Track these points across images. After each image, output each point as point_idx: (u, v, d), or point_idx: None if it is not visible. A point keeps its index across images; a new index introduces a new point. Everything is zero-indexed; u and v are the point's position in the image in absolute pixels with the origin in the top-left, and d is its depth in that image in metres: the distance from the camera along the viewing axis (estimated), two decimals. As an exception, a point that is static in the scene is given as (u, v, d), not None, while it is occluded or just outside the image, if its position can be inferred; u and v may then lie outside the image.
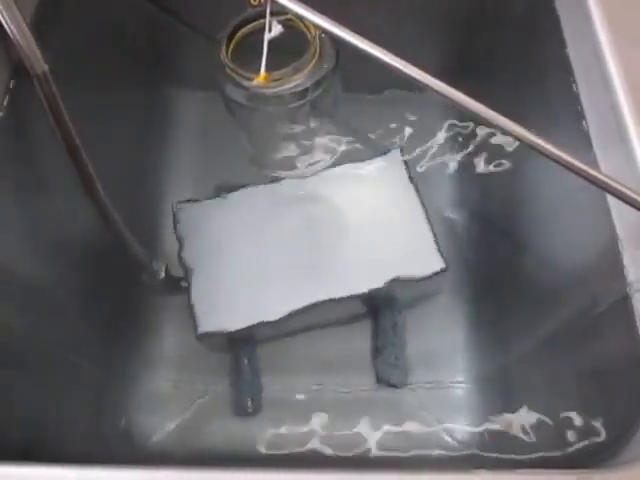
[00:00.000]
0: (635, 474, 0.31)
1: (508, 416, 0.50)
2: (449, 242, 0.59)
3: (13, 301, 0.40)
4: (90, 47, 0.51)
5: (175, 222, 0.57)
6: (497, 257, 0.58)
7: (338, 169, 0.59)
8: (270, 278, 0.54)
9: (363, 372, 0.57)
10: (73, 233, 0.48)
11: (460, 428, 0.54)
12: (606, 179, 0.32)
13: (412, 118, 0.67)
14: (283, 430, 0.54)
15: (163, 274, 0.52)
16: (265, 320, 0.52)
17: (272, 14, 0.42)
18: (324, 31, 0.37)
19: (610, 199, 0.37)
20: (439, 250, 0.54)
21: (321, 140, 0.60)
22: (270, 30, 0.43)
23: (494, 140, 0.57)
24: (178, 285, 0.54)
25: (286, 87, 0.49)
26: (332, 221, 0.56)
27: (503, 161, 0.57)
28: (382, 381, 0.56)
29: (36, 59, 0.36)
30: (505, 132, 0.32)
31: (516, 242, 0.54)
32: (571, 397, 0.43)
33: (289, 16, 0.46)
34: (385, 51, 0.34)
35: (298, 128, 0.56)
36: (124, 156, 0.58)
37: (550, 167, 0.32)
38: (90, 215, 0.42)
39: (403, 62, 0.34)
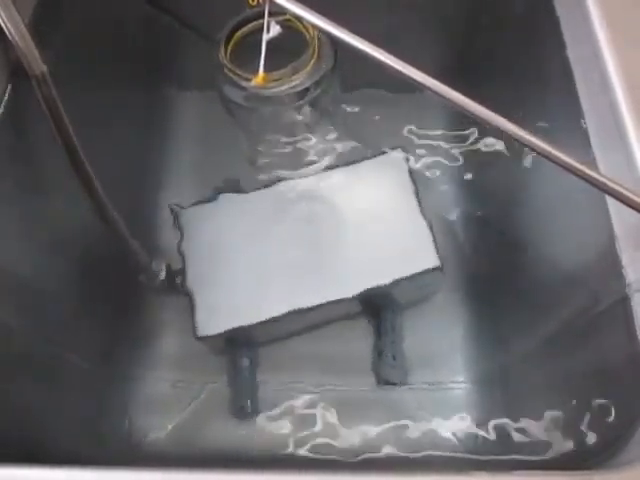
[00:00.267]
0: (635, 475, 0.31)
1: (506, 416, 0.50)
2: (448, 242, 0.60)
3: (13, 301, 0.41)
4: (89, 47, 0.51)
5: (174, 222, 0.57)
6: (496, 257, 0.58)
7: (337, 169, 0.59)
8: (270, 278, 0.54)
9: (362, 372, 0.57)
10: (72, 233, 0.48)
11: (459, 428, 0.54)
12: (605, 180, 0.32)
13: (411, 118, 0.67)
14: (282, 431, 0.54)
15: (164, 274, 0.52)
16: (264, 320, 0.52)
17: (270, 14, 0.42)
18: (322, 31, 0.37)
19: (609, 200, 0.37)
20: (436, 249, 0.54)
21: (320, 140, 0.60)
22: (268, 31, 0.43)
23: (494, 140, 0.57)
24: (178, 286, 0.54)
25: (285, 87, 0.49)
26: (331, 221, 0.56)
27: (502, 161, 0.57)
28: (382, 381, 0.56)
29: (34, 60, 0.36)
30: (504, 133, 0.32)
31: (515, 242, 0.54)
32: (570, 397, 0.43)
33: (288, 16, 0.46)
34: (383, 51, 0.34)
35: (297, 128, 0.56)
36: (123, 156, 0.58)
37: (549, 167, 0.32)
38: (89, 216, 0.42)
39: (402, 63, 0.34)
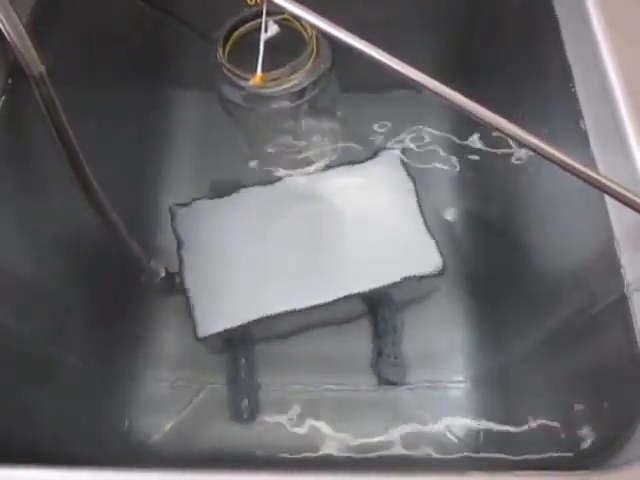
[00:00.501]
0: (633, 475, 0.31)
1: (505, 416, 0.50)
2: (448, 242, 0.59)
3: (11, 302, 0.40)
4: (87, 48, 0.51)
5: (173, 222, 0.57)
6: (496, 257, 0.58)
7: (336, 169, 0.59)
8: (269, 278, 0.54)
9: (362, 371, 0.57)
10: (71, 234, 0.48)
11: (458, 428, 0.54)
12: (604, 180, 0.32)
13: (411, 117, 0.67)
14: (281, 431, 0.54)
15: (163, 274, 0.52)
16: (264, 319, 0.52)
17: (268, 14, 0.42)
18: (320, 31, 0.37)
19: (608, 200, 0.37)
20: (438, 249, 0.54)
21: (319, 140, 0.60)
22: (266, 30, 0.43)
23: (494, 140, 0.57)
24: (177, 286, 0.54)
25: (283, 87, 0.49)
26: (330, 220, 0.56)
27: (502, 160, 0.57)
28: (383, 380, 0.56)
29: (33, 60, 0.36)
30: (502, 133, 0.32)
31: (515, 242, 0.54)
32: (569, 397, 0.43)
33: (286, 16, 0.45)
34: (381, 51, 0.34)
35: (296, 128, 0.56)
36: (122, 156, 0.58)
37: (548, 167, 0.32)
38: (88, 216, 0.42)
39: (400, 62, 0.33)
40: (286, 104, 0.50)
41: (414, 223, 0.56)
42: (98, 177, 0.40)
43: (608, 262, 0.37)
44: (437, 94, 0.33)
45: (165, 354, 0.58)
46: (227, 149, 0.63)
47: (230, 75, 0.49)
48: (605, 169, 0.38)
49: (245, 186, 0.59)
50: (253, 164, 0.63)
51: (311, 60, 0.49)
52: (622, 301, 0.36)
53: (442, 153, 0.66)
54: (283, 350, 0.58)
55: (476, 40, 0.63)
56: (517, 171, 0.53)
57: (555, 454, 0.42)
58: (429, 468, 0.51)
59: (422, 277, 0.53)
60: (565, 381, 0.44)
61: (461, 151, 0.65)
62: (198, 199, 0.58)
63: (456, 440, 0.54)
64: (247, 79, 0.47)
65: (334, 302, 0.52)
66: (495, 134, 0.33)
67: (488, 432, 0.53)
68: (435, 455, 0.53)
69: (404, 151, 0.61)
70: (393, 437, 0.54)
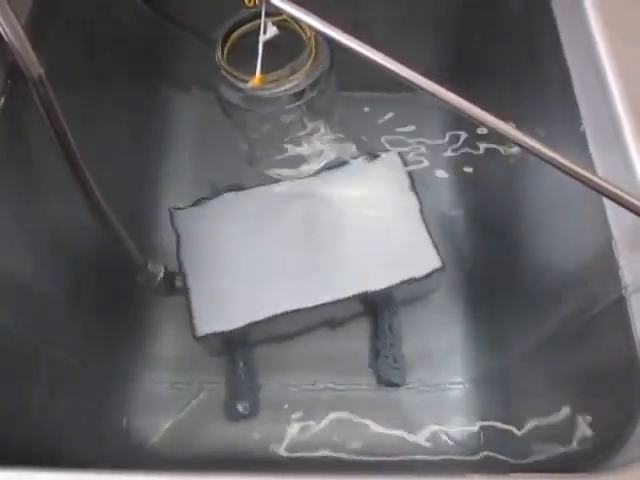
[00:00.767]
0: (631, 476, 0.31)
1: (504, 417, 0.50)
2: (447, 242, 0.59)
3: (10, 303, 0.41)
4: (85, 49, 0.51)
5: (173, 223, 0.57)
6: (494, 258, 0.58)
7: (336, 169, 0.59)
8: (268, 278, 0.54)
9: (361, 372, 0.57)
10: (71, 235, 0.48)
11: (457, 429, 0.54)
12: (602, 182, 0.32)
13: (410, 118, 0.67)
14: (279, 432, 0.54)
15: (162, 276, 0.52)
16: (263, 319, 0.52)
17: (267, 15, 0.42)
18: (318, 33, 0.37)
19: (606, 202, 0.37)
20: (436, 249, 0.54)
21: (317, 140, 0.60)
22: (265, 32, 0.43)
23: (493, 141, 0.57)
24: (176, 287, 0.54)
25: (282, 89, 0.49)
26: (330, 221, 0.57)
27: (501, 161, 0.57)
28: (384, 382, 0.56)
29: (31, 62, 0.36)
30: (500, 135, 0.32)
31: (513, 243, 0.54)
32: (567, 398, 0.43)
33: (284, 17, 0.45)
34: (379, 53, 0.34)
35: (294, 129, 0.56)
36: (121, 158, 0.58)
37: (548, 168, 0.32)
38: (87, 217, 0.42)
39: (397, 64, 0.34)
40: (285, 105, 0.50)
41: (413, 224, 0.56)
42: (97, 178, 0.40)
43: (606, 263, 0.37)
44: (435, 96, 0.33)
45: (164, 355, 0.58)
46: (226, 150, 0.63)
47: (229, 77, 0.49)
48: (603, 171, 0.39)
49: (244, 187, 0.59)
50: (252, 165, 0.62)
51: (310, 61, 0.49)
52: (620, 302, 0.36)
53: (441, 154, 0.66)
54: (282, 351, 0.58)
55: (475, 41, 0.63)
56: (516, 172, 0.53)
57: (553, 456, 0.42)
58: (428, 470, 0.51)
59: (421, 278, 0.53)
60: (563, 382, 0.44)
61: (460, 152, 0.65)
62: (197, 200, 0.58)
63: (454, 442, 0.54)
64: (246, 81, 0.47)
65: (333, 303, 0.52)
66: (494, 135, 0.33)
67: (487, 433, 0.53)
68: (434, 457, 0.53)
69: (403, 152, 0.60)
70: (392, 438, 0.54)
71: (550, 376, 0.47)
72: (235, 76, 0.48)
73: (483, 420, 0.54)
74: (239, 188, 0.59)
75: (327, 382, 0.56)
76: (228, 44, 0.50)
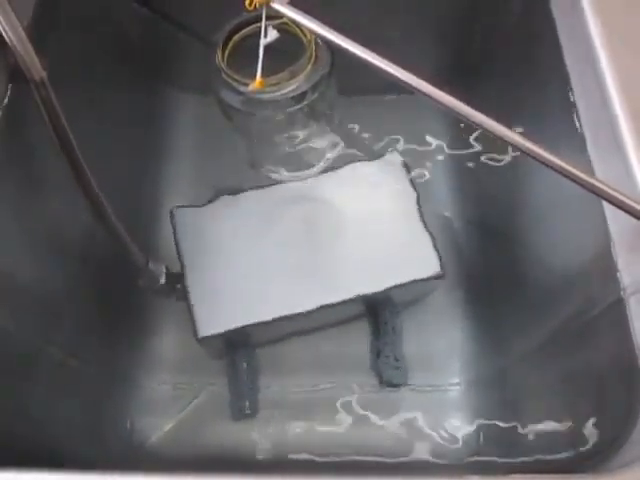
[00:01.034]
0: (630, 477, 0.31)
1: (504, 418, 0.51)
2: (447, 244, 0.59)
3: (11, 305, 0.41)
4: (87, 51, 0.52)
5: (174, 225, 0.57)
6: (494, 260, 0.58)
7: (336, 172, 0.59)
8: (269, 280, 0.54)
9: (362, 373, 0.57)
10: (72, 236, 0.49)
11: (457, 429, 0.54)
12: (600, 185, 0.32)
13: (410, 121, 0.67)
14: (281, 432, 0.54)
15: (163, 277, 0.52)
16: (264, 321, 0.52)
17: (267, 18, 0.42)
18: (318, 36, 0.37)
19: (605, 204, 0.38)
20: (437, 252, 0.54)
21: (318, 143, 0.60)
22: (266, 35, 0.43)
23: (492, 143, 0.57)
24: (176, 287, 0.54)
25: (283, 92, 0.49)
26: (330, 223, 0.57)
27: (501, 164, 0.57)
28: (385, 383, 0.56)
29: (33, 65, 0.36)
30: (499, 138, 0.32)
31: (513, 245, 0.54)
32: (566, 400, 0.43)
33: (285, 20, 0.46)
34: (380, 57, 0.34)
35: (295, 132, 0.56)
36: (122, 159, 0.58)
37: (547, 172, 0.32)
38: (88, 219, 0.42)
39: (398, 68, 0.34)
40: (285, 108, 0.50)
41: (413, 226, 0.56)
42: (98, 180, 0.40)
43: (605, 265, 0.37)
44: (434, 100, 0.33)
45: (165, 356, 0.59)
46: (227, 152, 0.63)
47: (229, 80, 0.49)
48: (602, 173, 0.39)
49: (245, 189, 0.59)
50: (253, 167, 0.63)
51: (310, 65, 0.49)
52: (619, 304, 0.36)
53: (441, 156, 0.66)
54: (283, 352, 0.58)
55: (475, 43, 0.63)
56: (516, 174, 0.53)
57: (552, 457, 0.42)
58: (427, 471, 0.51)
59: (422, 280, 0.53)
60: (563, 384, 0.44)
61: (460, 154, 0.65)
62: (198, 202, 0.58)
63: (454, 442, 0.54)
64: (246, 84, 0.47)
65: (334, 305, 0.52)
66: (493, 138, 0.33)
67: (486, 435, 0.53)
68: (433, 458, 0.53)
69: (403, 154, 0.60)
70: (392, 439, 0.54)
71: (549, 377, 0.47)
72: (235, 79, 0.48)
73: (482, 421, 0.54)
74: (239, 190, 0.59)
75: (328, 383, 0.56)
76: (229, 47, 0.50)
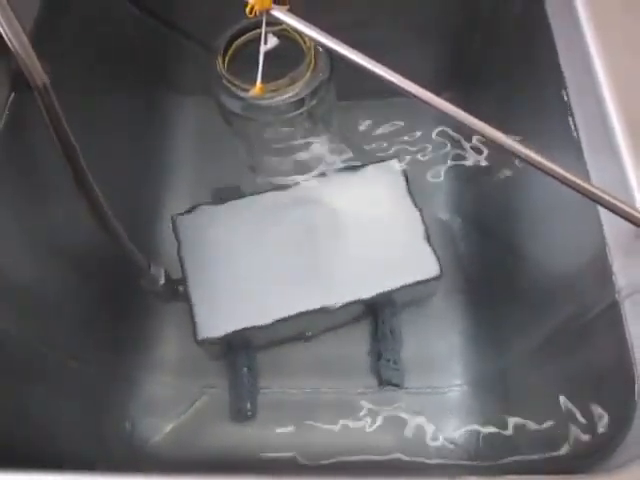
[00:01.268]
0: (625, 477, 0.32)
1: (502, 419, 0.51)
2: (446, 247, 0.60)
3: (14, 306, 0.41)
4: (89, 57, 0.52)
5: (174, 228, 0.58)
6: (492, 263, 0.58)
7: (335, 176, 0.60)
8: (268, 283, 0.55)
9: (361, 375, 0.57)
10: (73, 239, 0.49)
11: (456, 431, 0.54)
12: (596, 190, 0.32)
13: (409, 126, 0.67)
14: (281, 434, 0.55)
15: (163, 280, 0.52)
16: (263, 324, 0.53)
17: (268, 24, 0.42)
18: (317, 43, 0.37)
19: (600, 208, 0.38)
20: (435, 256, 0.55)
21: (317, 148, 0.60)
22: (266, 42, 0.44)
23: (491, 147, 0.57)
24: (177, 290, 0.54)
25: (282, 97, 0.49)
26: (330, 227, 0.57)
27: (498, 167, 0.57)
28: (384, 382, 0.56)
29: (36, 71, 0.36)
30: (497, 145, 0.33)
31: (511, 247, 0.54)
32: (564, 401, 0.43)
33: (284, 26, 0.46)
34: (379, 64, 0.35)
35: (294, 136, 0.56)
36: (123, 164, 0.59)
37: (544, 176, 0.33)
38: (90, 222, 0.43)
39: (397, 75, 0.34)
40: (285, 113, 0.51)
41: (412, 229, 0.56)
42: (100, 184, 0.41)
43: (601, 268, 0.38)
44: (433, 107, 0.34)
45: (167, 358, 0.59)
46: (227, 156, 0.63)
47: (230, 85, 0.49)
48: (597, 176, 0.39)
49: (245, 193, 0.59)
50: (253, 172, 0.63)
51: (309, 71, 0.50)
52: (614, 306, 0.37)
53: (440, 160, 0.66)
54: (283, 354, 0.58)
55: (473, 49, 0.63)
56: (514, 178, 0.53)
57: (550, 457, 0.42)
58: (427, 472, 0.52)
59: (421, 283, 0.54)
60: (560, 385, 0.45)
61: (459, 158, 0.65)
62: (199, 205, 0.59)
63: (453, 444, 0.54)
64: (247, 90, 0.48)
65: (334, 307, 0.53)
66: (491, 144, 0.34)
67: (486, 436, 0.53)
68: (433, 459, 0.53)
69: (402, 158, 0.61)
70: (392, 441, 0.54)
71: (547, 378, 0.47)
72: (236, 85, 0.49)
73: (482, 422, 0.54)
74: (240, 193, 0.60)
75: (328, 385, 0.57)
76: (229, 53, 0.51)
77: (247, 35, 0.51)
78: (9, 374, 0.40)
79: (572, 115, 0.43)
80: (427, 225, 0.56)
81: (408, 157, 0.64)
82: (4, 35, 0.36)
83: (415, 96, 0.34)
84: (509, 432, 0.50)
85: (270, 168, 0.61)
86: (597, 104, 0.39)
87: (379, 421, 0.55)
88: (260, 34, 0.44)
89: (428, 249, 0.55)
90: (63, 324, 0.47)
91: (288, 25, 0.38)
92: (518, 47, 0.54)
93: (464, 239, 0.63)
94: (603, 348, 0.39)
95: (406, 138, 0.67)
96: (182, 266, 0.55)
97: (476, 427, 0.54)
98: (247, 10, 0.38)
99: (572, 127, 0.42)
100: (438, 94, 0.34)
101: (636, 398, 0.35)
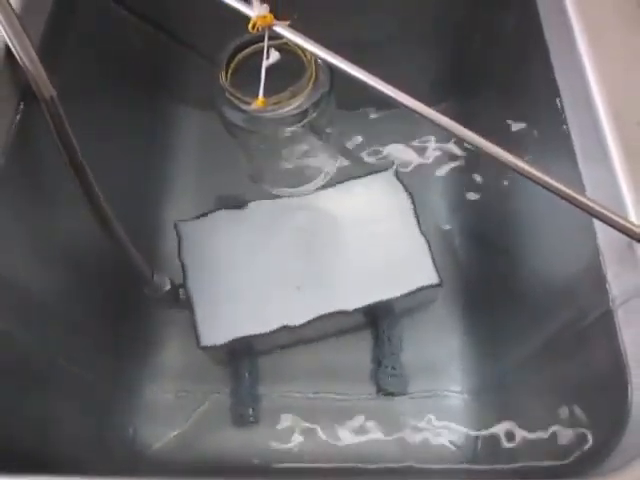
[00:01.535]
0: (622, 481, 0.32)
1: (501, 425, 0.51)
2: (445, 256, 0.61)
3: (17, 314, 0.41)
4: (94, 69, 0.52)
5: (178, 236, 0.58)
6: (491, 271, 0.59)
7: (335, 185, 0.60)
8: (270, 290, 0.55)
9: (361, 382, 0.58)
10: (79, 248, 0.49)
11: (456, 437, 0.55)
12: (590, 203, 0.33)
13: (408, 136, 0.68)
14: (283, 440, 0.55)
15: (168, 288, 0.53)
16: (265, 332, 0.53)
17: (269, 38, 0.43)
18: (318, 58, 0.38)
19: (595, 219, 0.39)
20: (434, 264, 0.55)
21: (317, 159, 0.61)
22: (268, 57, 0.44)
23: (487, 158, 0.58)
24: (181, 298, 0.55)
25: (284, 110, 0.50)
26: (330, 235, 0.58)
27: (496, 177, 0.58)
28: (382, 390, 0.56)
29: (44, 84, 0.37)
30: (491, 158, 0.34)
31: (509, 257, 0.55)
32: (560, 407, 0.43)
33: (286, 40, 0.47)
34: (378, 79, 0.36)
35: (295, 148, 0.57)
36: (128, 173, 0.59)
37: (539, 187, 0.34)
38: (95, 230, 0.43)
39: (396, 90, 0.35)
40: (287, 126, 0.51)
41: (412, 237, 0.57)
42: (105, 193, 0.41)
43: (595, 277, 0.38)
44: (431, 120, 0.34)
45: (169, 364, 0.59)
46: (230, 166, 0.64)
47: (232, 98, 0.50)
48: (591, 187, 0.40)
49: (247, 202, 0.60)
50: (255, 182, 0.63)
51: (310, 84, 0.50)
52: (608, 314, 0.37)
53: (438, 169, 0.67)
54: (285, 360, 0.59)
55: (470, 60, 0.64)
56: (511, 188, 0.54)
57: (546, 462, 0.43)
58: (427, 477, 0.52)
59: (420, 291, 0.54)
60: (557, 391, 0.45)
61: (457, 167, 0.66)
62: (202, 214, 0.60)
63: (454, 449, 0.54)
64: (249, 103, 0.48)
65: (334, 315, 0.53)
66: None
67: (485, 440, 0.54)
68: (433, 465, 0.54)
69: (402, 168, 0.62)
70: (392, 446, 0.55)
71: (544, 384, 0.48)
72: (238, 98, 0.49)
73: (481, 427, 0.54)
74: (241, 202, 0.60)
75: (329, 391, 0.57)
76: (232, 67, 0.51)
77: (249, 49, 0.51)
78: (10, 378, 0.40)
79: (566, 125, 0.43)
80: (426, 234, 0.57)
81: (407, 166, 0.65)
82: (13, 50, 0.37)
83: (413, 110, 0.35)
84: (508, 437, 0.50)
85: (272, 178, 0.62)
86: (590, 113, 0.40)
87: (379, 426, 0.55)
88: (262, 47, 0.44)
89: (427, 258, 0.56)
90: (65, 329, 0.47)
91: (289, 40, 0.39)
92: (514, 59, 0.55)
93: (463, 247, 0.63)
94: (598, 355, 0.40)
95: (405, 148, 0.68)
96: (184, 273, 0.56)
97: (475, 432, 0.55)
98: (249, 26, 0.39)
99: (567, 137, 0.43)
100: (436, 104, 0.34)
101: (629, 403, 0.35)
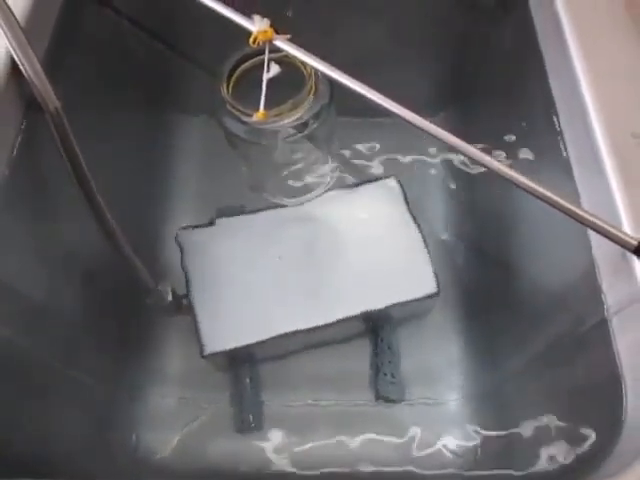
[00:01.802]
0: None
1: (500, 432, 0.52)
2: (443, 264, 0.61)
3: (21, 321, 0.41)
4: (98, 81, 0.53)
5: (180, 246, 0.59)
6: (488, 280, 0.59)
7: (335, 194, 0.61)
8: (270, 299, 0.56)
9: (360, 389, 0.58)
10: (83, 257, 0.50)
11: (455, 443, 0.55)
12: (585, 214, 0.34)
13: (407, 145, 0.68)
14: (284, 446, 0.55)
15: (170, 297, 0.53)
16: (266, 339, 0.53)
17: (270, 51, 0.43)
18: (318, 70, 0.39)
19: (590, 230, 0.39)
20: (434, 273, 0.55)
21: (318, 168, 0.61)
22: (268, 70, 0.45)
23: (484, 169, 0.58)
24: (183, 307, 0.55)
25: (285, 122, 0.50)
26: (330, 243, 0.58)
27: (495, 186, 0.58)
28: (381, 398, 0.57)
29: (49, 96, 0.38)
30: (487, 169, 0.34)
31: (506, 266, 0.55)
32: (557, 413, 0.44)
33: (286, 53, 0.47)
34: (376, 92, 0.36)
35: (296, 158, 0.57)
36: (130, 183, 0.60)
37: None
38: (98, 239, 0.44)
39: (393, 103, 0.36)
40: (287, 137, 0.52)
41: (411, 246, 0.57)
42: (108, 203, 0.42)
43: (590, 287, 0.39)
44: (427, 132, 0.35)
45: (172, 371, 0.60)
46: (231, 176, 0.64)
47: (233, 110, 0.50)
48: (587, 198, 0.40)
49: (247, 210, 0.61)
50: (256, 192, 0.64)
51: (310, 96, 0.51)
52: (603, 323, 0.38)
53: (437, 178, 0.68)
54: (285, 368, 0.59)
55: (467, 73, 0.65)
56: (508, 198, 0.54)
57: (543, 468, 0.43)
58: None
59: (419, 299, 0.55)
60: (553, 398, 0.46)
61: (456, 176, 0.67)
62: (202, 223, 0.60)
63: (452, 456, 0.55)
64: (250, 115, 0.49)
65: (334, 323, 0.54)
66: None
67: (483, 448, 0.54)
68: (432, 471, 0.54)
69: (400, 175, 0.62)
70: (391, 453, 0.55)
71: (541, 392, 0.48)
72: (239, 110, 0.50)
73: (480, 434, 0.55)
74: (242, 211, 0.61)
75: (329, 398, 0.58)
76: (233, 79, 0.52)
77: (250, 62, 0.52)
78: (12, 385, 0.40)
79: (562, 136, 0.44)
80: (426, 241, 0.57)
81: (406, 175, 0.65)
82: (18, 62, 0.37)
83: (410, 122, 0.36)
84: (506, 443, 0.51)
85: (272, 188, 0.62)
86: (585, 124, 0.41)
87: (379, 434, 0.56)
88: (263, 60, 0.45)
89: (426, 266, 0.56)
90: (68, 336, 0.48)
91: (289, 54, 0.39)
92: (510, 75, 0.56)
93: (461, 257, 0.63)
94: (593, 362, 0.40)
95: (404, 156, 0.68)
96: (187, 281, 0.56)
97: (474, 438, 0.55)
98: (250, 41, 0.40)
99: (562, 148, 0.44)
100: (434, 114, 0.35)
101: (624, 411, 0.36)
